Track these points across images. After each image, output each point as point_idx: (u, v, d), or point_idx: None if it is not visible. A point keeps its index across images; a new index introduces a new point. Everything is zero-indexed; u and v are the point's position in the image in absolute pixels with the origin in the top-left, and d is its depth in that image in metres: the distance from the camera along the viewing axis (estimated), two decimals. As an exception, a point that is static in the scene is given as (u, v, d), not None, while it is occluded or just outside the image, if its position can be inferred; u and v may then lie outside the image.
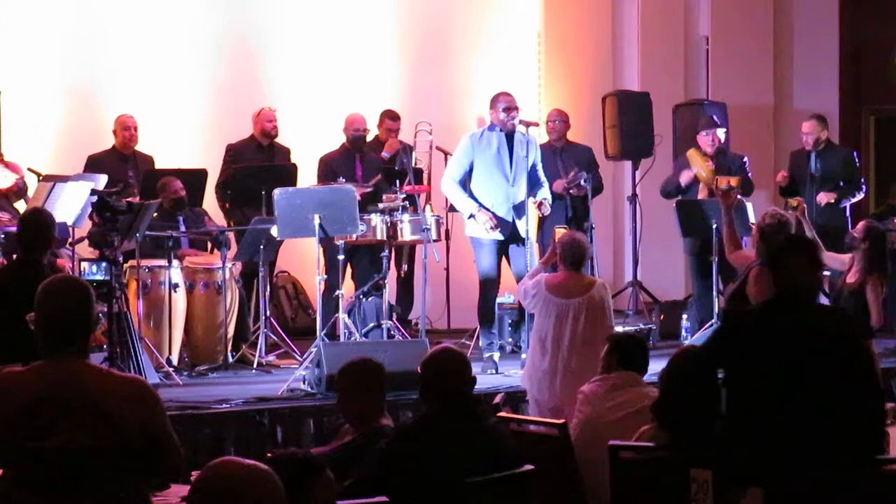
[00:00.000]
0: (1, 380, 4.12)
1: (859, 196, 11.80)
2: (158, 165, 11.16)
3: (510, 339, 10.75)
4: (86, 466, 3.92)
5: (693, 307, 11.33)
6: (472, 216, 9.83)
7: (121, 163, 10.83)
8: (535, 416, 7.82)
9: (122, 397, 3.98)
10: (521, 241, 9.80)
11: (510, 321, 10.81)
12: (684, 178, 11.37)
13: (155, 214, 9.79)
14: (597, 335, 7.90)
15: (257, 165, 11.21)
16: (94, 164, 10.71)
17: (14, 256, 8.32)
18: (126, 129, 11.03)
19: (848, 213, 11.66)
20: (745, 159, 11.42)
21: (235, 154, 11.32)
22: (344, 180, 10.18)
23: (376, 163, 11.23)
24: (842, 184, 11.56)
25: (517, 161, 9.88)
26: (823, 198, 11.46)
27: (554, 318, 8.02)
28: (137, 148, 11.15)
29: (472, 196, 9.88)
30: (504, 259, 9.96)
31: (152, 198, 10.06)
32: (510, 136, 9.92)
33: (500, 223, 9.81)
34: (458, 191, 9.93)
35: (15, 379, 4.08)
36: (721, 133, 11.40)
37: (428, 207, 10.12)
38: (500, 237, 9.84)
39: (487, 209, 9.79)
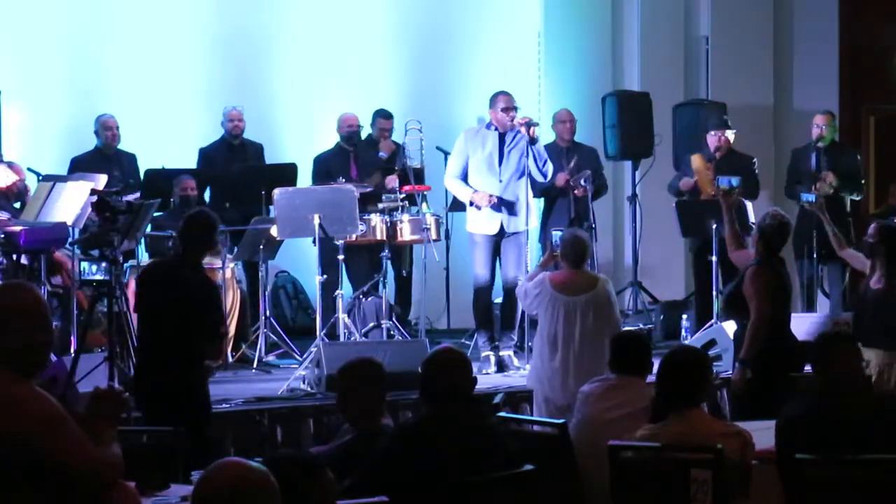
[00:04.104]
0: None
1: (857, 196, 11.79)
2: (157, 165, 11.16)
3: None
4: None
5: (693, 306, 11.32)
6: (472, 203, 9.88)
7: (105, 163, 10.79)
8: (543, 415, 7.81)
9: None
10: (510, 236, 9.83)
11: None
12: (685, 185, 11.43)
13: (161, 213, 9.79)
14: (605, 330, 7.91)
15: (257, 165, 11.21)
16: (78, 165, 10.69)
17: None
18: (108, 130, 11.03)
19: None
20: (755, 160, 11.42)
21: (205, 158, 11.36)
22: (343, 180, 10.18)
23: (372, 161, 11.21)
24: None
25: (508, 161, 9.90)
26: (829, 176, 11.34)
27: (562, 316, 8.04)
28: (122, 147, 11.14)
29: None
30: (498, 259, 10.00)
31: (154, 197, 10.06)
32: (503, 136, 9.94)
33: (491, 218, 9.85)
34: (458, 184, 10.04)
35: None
36: (731, 134, 11.38)
37: (424, 206, 10.12)
38: (492, 231, 9.85)
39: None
